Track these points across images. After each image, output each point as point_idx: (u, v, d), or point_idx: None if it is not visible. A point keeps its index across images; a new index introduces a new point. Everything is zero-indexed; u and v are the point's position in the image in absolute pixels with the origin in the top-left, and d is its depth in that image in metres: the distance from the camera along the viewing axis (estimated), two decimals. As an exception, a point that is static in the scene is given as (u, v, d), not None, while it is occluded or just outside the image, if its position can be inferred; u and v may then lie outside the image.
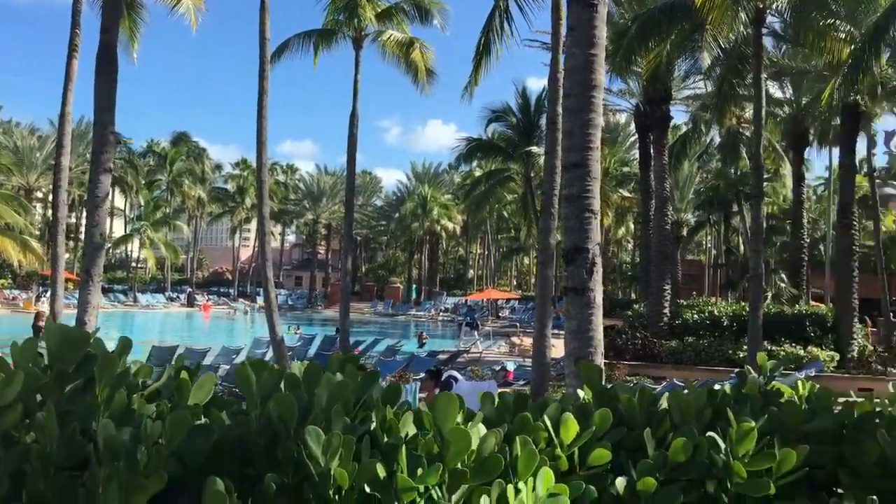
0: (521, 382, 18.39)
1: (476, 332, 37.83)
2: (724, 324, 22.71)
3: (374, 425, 2.20)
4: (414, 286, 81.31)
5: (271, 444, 2.06)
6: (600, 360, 5.52)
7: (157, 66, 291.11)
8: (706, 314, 23.42)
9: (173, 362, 2.46)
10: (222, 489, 1.75)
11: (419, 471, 1.94)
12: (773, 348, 20.16)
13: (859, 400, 3.20)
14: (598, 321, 5.50)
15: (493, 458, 2.05)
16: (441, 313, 63.92)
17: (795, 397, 3.15)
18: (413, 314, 64.82)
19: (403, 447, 1.96)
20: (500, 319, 56.16)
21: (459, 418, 2.18)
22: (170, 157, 72.73)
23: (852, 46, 18.37)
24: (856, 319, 22.90)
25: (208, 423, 2.06)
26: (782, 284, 31.36)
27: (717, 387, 3.08)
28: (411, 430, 2.20)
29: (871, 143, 35.29)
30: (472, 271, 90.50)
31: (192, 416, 2.09)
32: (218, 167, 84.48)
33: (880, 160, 56.13)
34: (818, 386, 3.18)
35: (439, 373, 11.49)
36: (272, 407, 2.08)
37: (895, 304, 37.76)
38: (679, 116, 46.11)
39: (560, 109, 10.67)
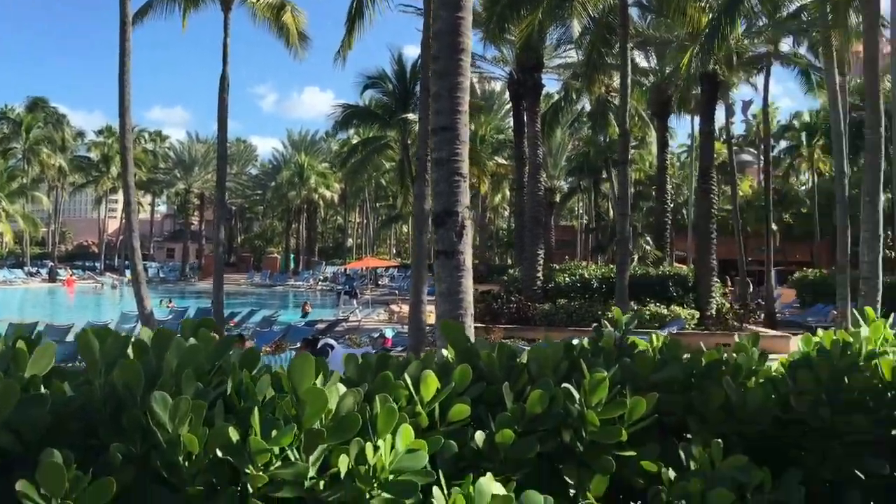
0: (400, 349, 18.49)
1: (355, 301, 37.75)
2: (594, 286, 23.54)
3: (229, 389, 2.15)
4: (292, 256, 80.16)
5: (116, 412, 1.97)
6: (471, 322, 5.60)
7: (8, 26, 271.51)
8: (577, 277, 24.19)
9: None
10: (59, 460, 1.66)
11: (274, 432, 1.90)
12: (639, 308, 21.07)
13: (707, 350, 3.39)
14: (468, 284, 5.57)
15: (351, 416, 2.04)
16: (320, 283, 63.39)
17: (650, 350, 3.29)
18: (291, 284, 64.02)
19: (256, 409, 1.92)
20: (379, 287, 56.21)
21: (319, 380, 2.16)
22: (25, 123, 68.32)
23: (711, 16, 19.21)
24: (715, 279, 24.22)
25: (43, 394, 1.94)
26: (647, 247, 32.74)
27: (575, 342, 3.18)
28: (270, 393, 2.15)
29: (730, 112, 37.20)
30: (351, 240, 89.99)
31: (29, 387, 1.97)
32: (80, 134, 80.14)
33: (738, 128, 59.44)
34: (670, 338, 3.33)
35: (315, 341, 11.41)
36: (117, 374, 1.98)
37: (751, 265, 40.22)
38: (552, 85, 47.14)
39: (432, 75, 10.66)
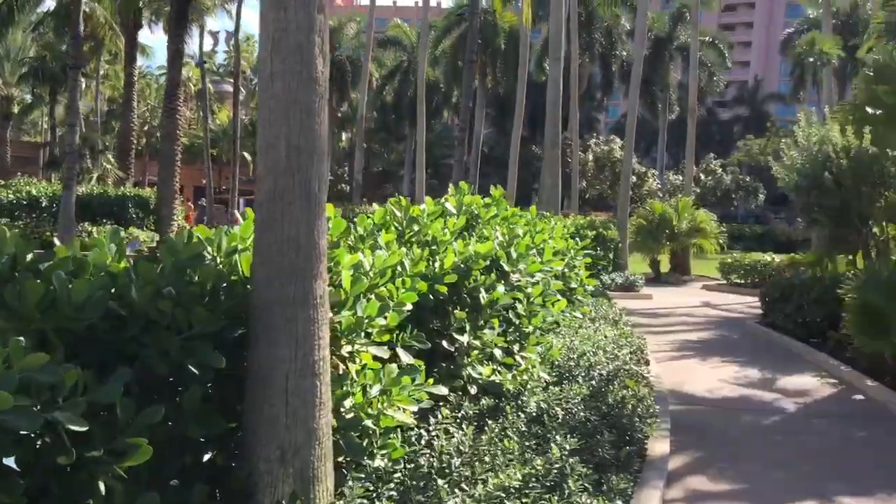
0: None
1: None
2: (44, 204, 21.58)
3: None
4: None
5: None
6: None
7: None
8: (24, 194, 21.91)
9: None
10: None
11: None
12: (94, 229, 19.86)
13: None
14: None
15: None
16: None
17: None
18: None
19: None
20: None
21: None
22: None
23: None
24: (178, 203, 23.94)
25: None
26: (109, 166, 30.94)
27: None
28: None
29: (212, 40, 36.99)
30: None
31: None
32: None
33: (221, 58, 59.70)
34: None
35: None
36: None
37: (224, 192, 41.01)
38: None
39: None
